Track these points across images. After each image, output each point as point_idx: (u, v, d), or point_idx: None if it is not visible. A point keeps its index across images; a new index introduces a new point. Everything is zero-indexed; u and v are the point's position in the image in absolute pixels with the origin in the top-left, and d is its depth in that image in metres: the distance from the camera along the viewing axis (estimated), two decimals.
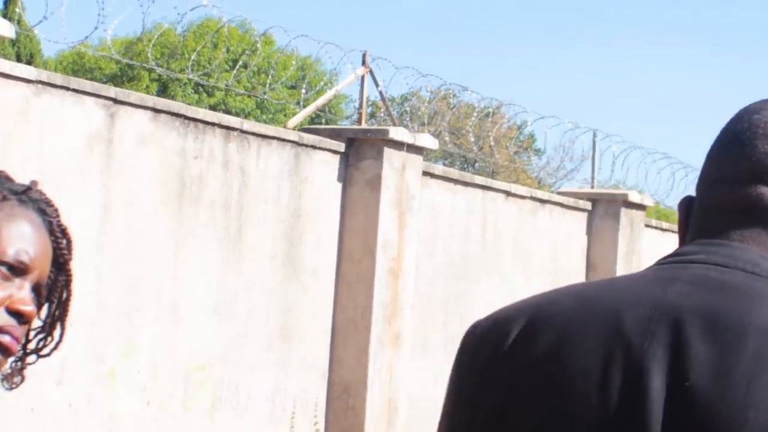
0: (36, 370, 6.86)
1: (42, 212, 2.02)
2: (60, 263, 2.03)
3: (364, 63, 10.45)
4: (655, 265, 1.52)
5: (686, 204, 1.59)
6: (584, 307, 1.47)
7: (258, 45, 10.92)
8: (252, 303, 8.35)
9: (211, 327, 8.03)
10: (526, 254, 11.05)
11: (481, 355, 1.52)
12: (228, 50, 28.07)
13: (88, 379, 7.22)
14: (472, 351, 1.55)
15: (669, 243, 13.31)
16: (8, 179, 2.02)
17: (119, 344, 7.41)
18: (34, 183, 2.06)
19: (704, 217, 1.54)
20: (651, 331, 1.41)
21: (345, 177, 9.14)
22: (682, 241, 1.58)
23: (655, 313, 1.42)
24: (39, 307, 2.00)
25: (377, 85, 10.67)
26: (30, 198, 2.01)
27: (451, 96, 13.30)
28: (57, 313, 2.07)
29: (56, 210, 2.04)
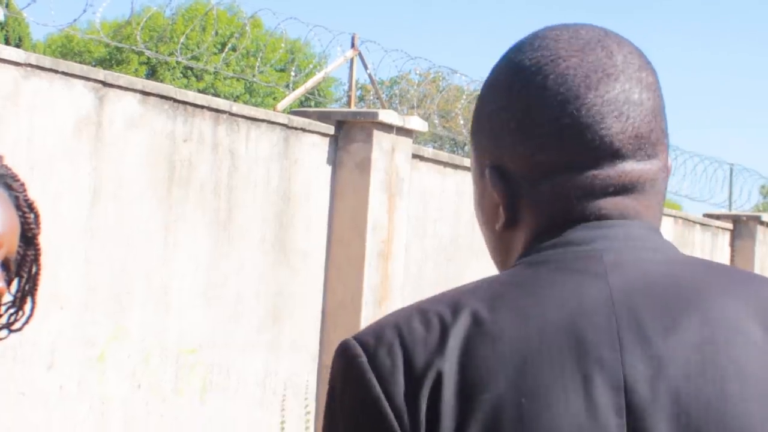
0: (26, 354, 6.88)
1: (8, 187, 2.00)
2: (28, 237, 2.01)
3: (353, 46, 10.43)
4: (545, 258, 1.42)
5: (504, 179, 1.47)
6: (528, 324, 1.35)
7: (247, 28, 10.89)
8: (242, 286, 8.34)
9: (201, 310, 8.03)
10: None
11: (406, 385, 1.33)
12: (216, 33, 27.99)
13: (78, 363, 7.21)
14: (379, 383, 1.34)
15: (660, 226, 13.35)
16: None
17: (109, 328, 7.40)
18: None
19: (570, 201, 1.44)
20: (618, 341, 1.34)
21: (334, 160, 9.13)
22: (507, 223, 1.47)
23: (612, 321, 1.35)
24: (9, 282, 1.99)
25: (366, 68, 10.66)
26: None
27: (441, 79, 13.29)
28: (27, 287, 2.06)
29: (23, 185, 2.02)
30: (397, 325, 1.37)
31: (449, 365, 1.33)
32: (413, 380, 1.33)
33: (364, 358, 1.36)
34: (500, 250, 1.52)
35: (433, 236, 10.06)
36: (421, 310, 1.38)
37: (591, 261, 1.40)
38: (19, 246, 1.99)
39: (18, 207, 1.99)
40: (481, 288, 1.41)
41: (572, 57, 1.45)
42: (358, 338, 1.38)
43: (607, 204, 1.44)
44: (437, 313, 1.37)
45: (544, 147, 1.44)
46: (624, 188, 1.45)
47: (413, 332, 1.35)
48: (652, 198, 1.48)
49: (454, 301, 1.38)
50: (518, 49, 1.50)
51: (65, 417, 7.16)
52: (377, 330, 1.38)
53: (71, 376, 7.18)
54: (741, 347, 1.34)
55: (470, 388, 1.32)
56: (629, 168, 1.45)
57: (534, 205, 1.46)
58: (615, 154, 1.44)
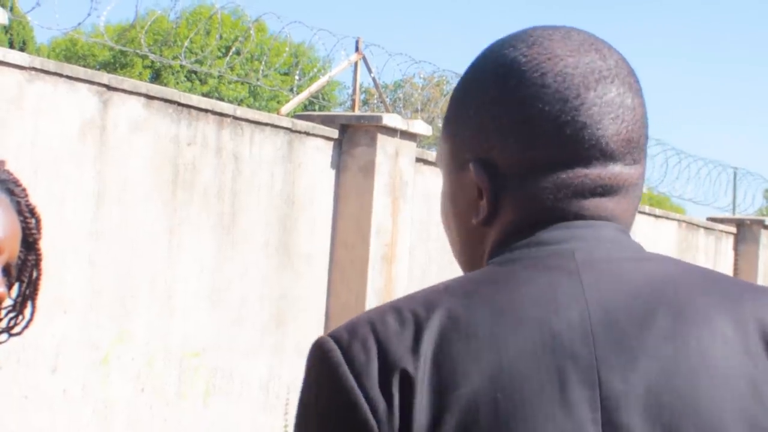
0: (30, 357, 6.89)
1: (10, 192, 2.00)
2: (29, 243, 2.01)
3: (357, 49, 10.43)
4: (520, 255, 1.43)
5: (490, 174, 1.48)
6: (503, 321, 1.36)
7: (251, 32, 10.90)
8: (246, 289, 8.34)
9: (205, 313, 8.03)
10: None
11: (380, 378, 1.34)
12: (221, 37, 28.02)
13: (82, 367, 7.22)
14: (353, 375, 1.35)
15: (664, 228, 13.34)
16: None
17: (113, 331, 7.41)
18: (1, 163, 2.04)
19: (554, 200, 1.45)
20: (591, 336, 1.35)
21: (338, 163, 9.13)
22: (488, 217, 1.48)
23: (586, 317, 1.36)
24: (9, 286, 1.99)
25: (370, 72, 10.65)
26: None
27: (445, 83, 13.31)
28: (27, 292, 2.06)
29: (24, 190, 2.02)
30: (371, 321, 1.38)
31: (423, 361, 1.33)
32: (387, 373, 1.33)
33: (338, 352, 1.36)
34: (468, 246, 1.53)
35: (436, 239, 10.06)
36: (396, 308, 1.39)
37: (564, 259, 1.41)
38: (20, 251, 1.99)
39: (19, 212, 1.99)
40: (456, 286, 1.41)
41: (569, 57, 1.46)
42: (332, 334, 1.39)
43: (590, 204, 1.46)
44: (411, 311, 1.38)
45: (540, 143, 1.45)
46: (610, 190, 1.46)
47: (387, 328, 1.36)
48: (631, 202, 1.49)
49: (428, 300, 1.39)
50: (509, 44, 1.50)
51: (69, 420, 7.16)
52: (351, 326, 1.39)
53: (75, 380, 7.18)
54: (711, 342, 1.35)
55: (445, 384, 1.33)
56: (618, 171, 1.46)
57: (515, 202, 1.47)
58: (607, 156, 1.45)
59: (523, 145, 1.45)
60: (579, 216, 1.45)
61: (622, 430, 1.33)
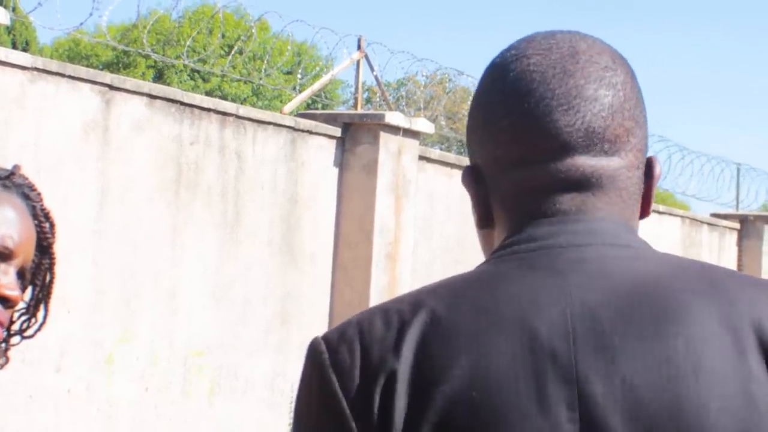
0: (34, 357, 6.89)
1: (25, 197, 2.01)
2: (44, 247, 2.03)
3: (359, 48, 10.43)
4: (509, 254, 1.43)
5: (475, 178, 1.50)
6: (484, 321, 1.36)
7: (253, 31, 10.91)
8: (250, 288, 8.35)
9: (209, 312, 8.04)
10: None
11: (361, 381, 1.36)
12: (223, 36, 28.02)
13: (86, 366, 7.22)
14: (337, 378, 1.38)
15: (667, 224, 13.34)
16: None
17: (117, 330, 7.41)
18: (17, 168, 2.06)
19: (528, 198, 1.46)
20: (571, 335, 1.34)
21: (341, 162, 9.14)
22: (481, 221, 1.51)
23: (567, 316, 1.35)
24: (23, 290, 2.01)
25: (373, 70, 10.66)
26: (13, 183, 2.01)
27: (447, 80, 13.28)
28: (41, 295, 2.07)
29: (39, 194, 2.04)
30: (360, 323, 1.41)
31: (404, 362, 1.35)
32: (368, 376, 1.36)
33: (326, 355, 1.39)
34: (485, 248, 1.56)
35: (440, 237, 10.06)
36: (385, 309, 1.42)
37: (551, 257, 1.41)
38: (35, 255, 2.01)
39: (34, 216, 2.00)
40: (444, 287, 1.43)
41: (536, 55, 1.46)
42: (325, 336, 1.42)
43: (564, 199, 1.45)
44: (398, 312, 1.40)
45: (501, 141, 1.46)
46: (578, 183, 1.45)
47: (373, 330, 1.39)
48: (614, 195, 1.46)
49: (415, 300, 1.41)
50: (499, 52, 1.53)
51: (73, 419, 7.17)
52: (341, 328, 1.42)
53: (79, 379, 7.19)
54: (699, 343, 1.34)
55: (424, 383, 1.34)
56: (580, 162, 1.45)
57: (499, 203, 1.48)
58: (564, 148, 1.44)
59: (491, 145, 1.47)
60: (559, 211, 1.45)
61: (601, 429, 1.32)
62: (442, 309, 1.38)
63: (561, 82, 1.45)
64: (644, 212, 1.52)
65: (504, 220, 1.48)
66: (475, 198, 1.51)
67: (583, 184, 1.45)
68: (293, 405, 1.45)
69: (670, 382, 1.33)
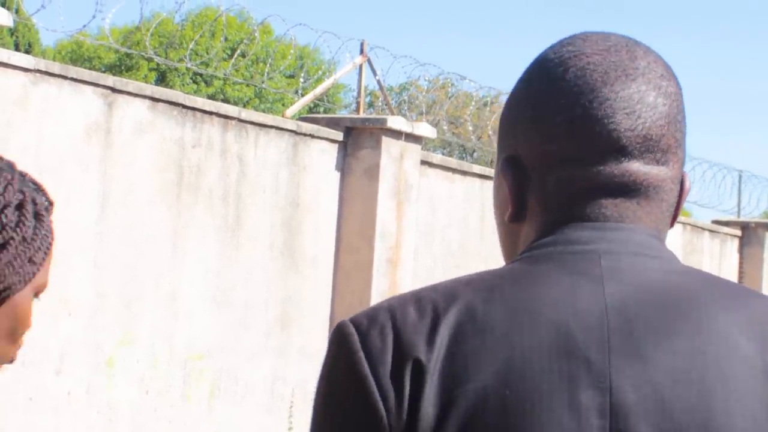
0: (35, 359, 6.86)
1: (43, 218, 2.02)
2: None
3: (362, 52, 10.43)
4: (546, 255, 1.42)
5: (518, 170, 1.48)
6: (520, 319, 1.36)
7: (256, 34, 10.91)
8: (250, 292, 8.35)
9: (210, 316, 8.04)
10: None
11: (393, 366, 1.35)
12: (226, 39, 28.03)
13: (86, 369, 7.22)
14: (368, 361, 1.36)
15: (669, 232, 13.33)
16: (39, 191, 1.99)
17: (118, 333, 7.41)
18: (39, 186, 2.05)
19: (574, 198, 1.45)
20: (607, 343, 1.35)
21: (343, 166, 9.14)
22: (515, 214, 1.48)
23: (604, 323, 1.36)
24: None
25: (375, 74, 10.65)
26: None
27: (450, 85, 13.27)
28: None
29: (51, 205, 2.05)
30: (392, 308, 1.39)
31: (437, 352, 1.34)
32: (401, 362, 1.34)
33: (356, 337, 1.38)
34: (508, 243, 1.53)
35: (441, 242, 10.06)
36: (418, 297, 1.40)
37: (589, 263, 1.40)
38: None
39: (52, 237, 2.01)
40: (479, 280, 1.42)
41: (595, 54, 1.46)
42: (353, 319, 1.41)
43: (608, 204, 1.45)
44: (432, 301, 1.38)
45: (554, 137, 1.45)
46: (627, 189, 1.45)
47: (406, 317, 1.37)
48: (655, 205, 1.47)
49: (450, 291, 1.40)
50: (551, 46, 1.52)
51: (74, 422, 7.17)
52: (371, 313, 1.40)
53: (80, 382, 7.19)
54: (729, 359, 1.35)
55: (456, 376, 1.33)
56: (634, 168, 1.44)
57: (540, 199, 1.47)
58: (621, 151, 1.44)
59: (541, 139, 1.46)
60: (602, 216, 1.44)
61: None
62: (478, 302, 1.37)
63: (624, 85, 1.44)
64: (671, 224, 1.53)
65: (539, 216, 1.47)
66: (513, 191, 1.49)
67: (632, 190, 1.45)
68: (317, 386, 1.41)
69: (700, 397, 1.33)
